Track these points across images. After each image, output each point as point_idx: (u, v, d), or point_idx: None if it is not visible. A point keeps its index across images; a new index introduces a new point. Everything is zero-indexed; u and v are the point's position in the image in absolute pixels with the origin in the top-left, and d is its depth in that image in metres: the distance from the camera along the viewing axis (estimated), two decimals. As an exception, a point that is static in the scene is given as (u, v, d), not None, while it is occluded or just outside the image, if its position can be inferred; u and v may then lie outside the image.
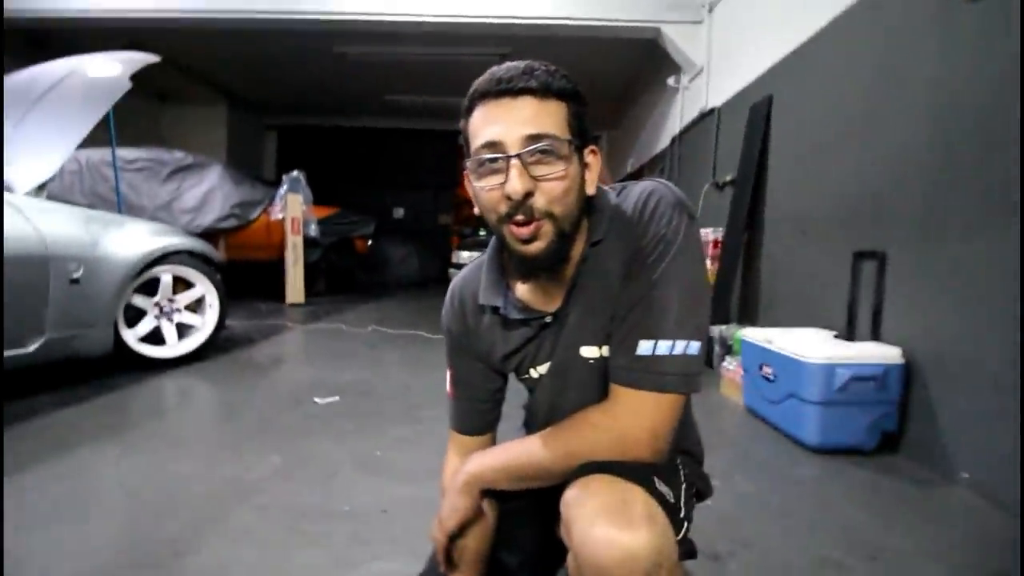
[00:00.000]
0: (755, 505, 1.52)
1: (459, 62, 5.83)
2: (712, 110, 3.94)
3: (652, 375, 0.66)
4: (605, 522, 0.58)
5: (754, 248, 3.13)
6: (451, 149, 8.67)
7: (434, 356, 3.19)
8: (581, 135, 0.67)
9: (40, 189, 2.39)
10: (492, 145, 0.64)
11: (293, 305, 5.10)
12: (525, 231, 0.65)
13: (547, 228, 0.65)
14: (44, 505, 1.35)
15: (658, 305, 0.67)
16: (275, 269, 5.30)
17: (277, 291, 5.22)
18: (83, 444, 1.72)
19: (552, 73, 0.65)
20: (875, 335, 2.04)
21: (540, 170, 0.63)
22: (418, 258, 8.17)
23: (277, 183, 5.61)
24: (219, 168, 5.28)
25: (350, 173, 9.12)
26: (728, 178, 3.48)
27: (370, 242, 6.81)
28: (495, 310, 0.79)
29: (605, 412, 0.69)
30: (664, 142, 5.20)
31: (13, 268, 1.98)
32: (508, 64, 0.65)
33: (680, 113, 4.71)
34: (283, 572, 1.11)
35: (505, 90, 0.63)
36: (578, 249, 0.72)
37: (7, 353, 1.98)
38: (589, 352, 0.74)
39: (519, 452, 0.74)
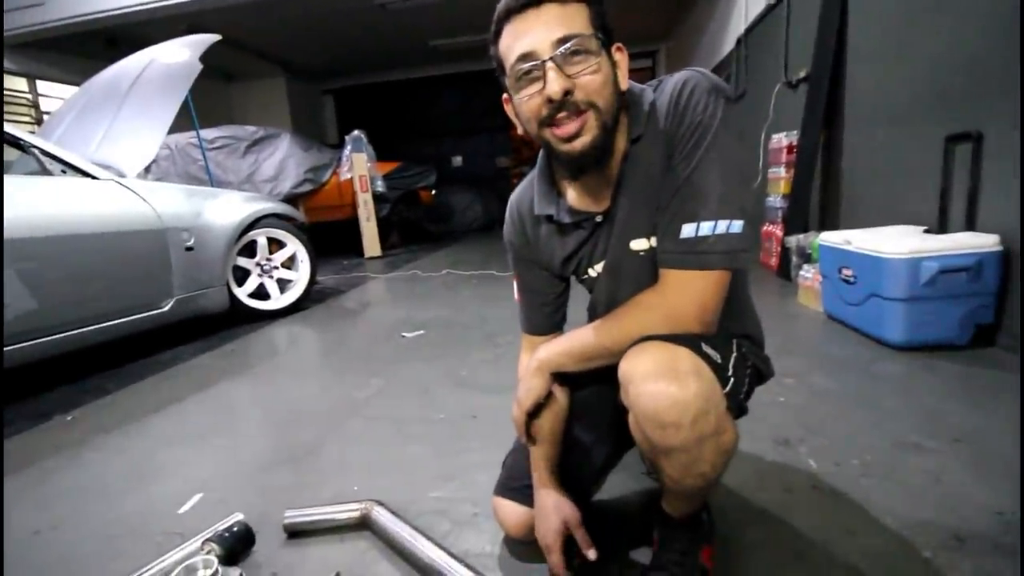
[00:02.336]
0: (831, 398, 1.53)
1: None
2: (780, 0, 3.56)
3: (696, 255, 0.71)
4: (655, 377, 0.66)
5: (833, 148, 2.90)
6: (501, 90, 8.46)
7: (506, 291, 3.34)
8: (606, 32, 0.70)
9: (146, 172, 2.71)
10: (525, 56, 0.68)
11: (371, 258, 5.44)
12: (571, 126, 0.70)
13: (591, 121, 0.70)
14: (201, 424, 1.66)
15: (698, 189, 0.70)
16: (351, 227, 5.62)
17: (355, 247, 5.56)
18: (220, 380, 2.05)
19: None
20: (970, 224, 1.89)
21: (574, 68, 0.68)
22: (481, 203, 8.27)
23: (340, 145, 5.85)
24: (288, 137, 5.59)
25: (406, 126, 9.24)
26: (802, 74, 3.19)
27: (434, 192, 6.98)
28: (549, 218, 0.85)
29: (655, 293, 0.75)
30: (728, 46, 4.79)
31: (140, 241, 2.32)
32: None
33: (744, 10, 4.29)
34: (395, 461, 1.32)
35: (527, 3, 0.67)
36: (620, 146, 0.76)
37: (148, 314, 2.35)
38: (639, 245, 0.79)
39: (581, 337, 0.82)
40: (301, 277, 3.17)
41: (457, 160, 9.42)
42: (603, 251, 0.84)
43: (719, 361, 0.73)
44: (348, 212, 5.65)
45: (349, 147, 5.51)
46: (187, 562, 0.73)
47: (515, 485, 0.94)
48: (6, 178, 2.08)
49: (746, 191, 0.76)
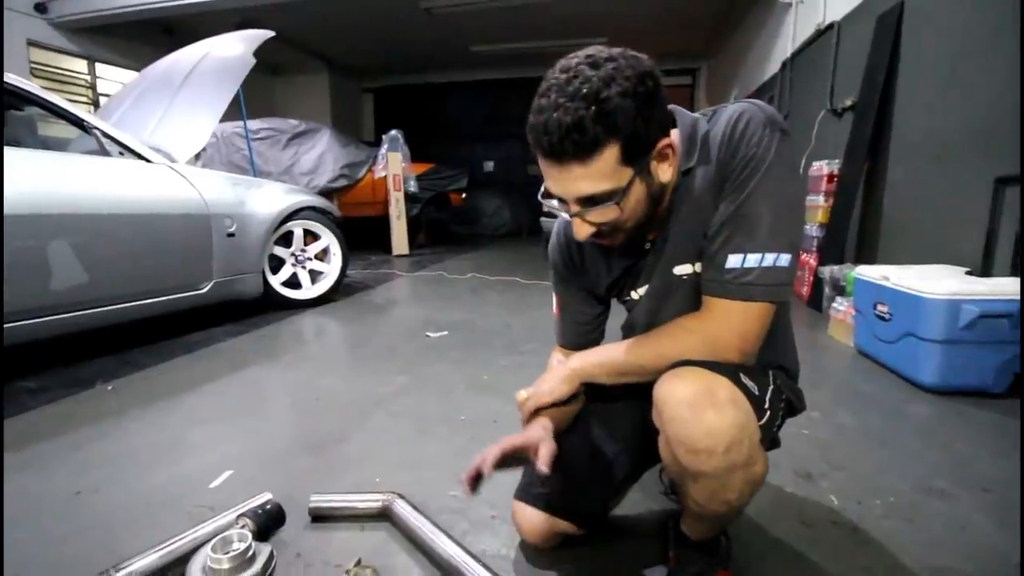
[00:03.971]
0: (857, 435, 1.51)
1: (543, 4, 5.68)
2: (831, 25, 3.52)
3: (741, 286, 0.71)
4: (692, 403, 0.67)
5: (875, 179, 2.85)
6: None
7: (531, 299, 3.36)
8: (644, 147, 0.67)
9: (195, 158, 2.83)
10: (553, 194, 0.72)
11: (399, 256, 5.53)
12: (603, 241, 0.75)
13: (621, 236, 0.75)
14: (232, 404, 1.72)
15: (748, 220, 0.71)
16: (381, 224, 5.73)
17: (383, 244, 5.67)
18: (252, 364, 2.12)
19: (600, 103, 0.61)
20: (1015, 270, 1.84)
21: (597, 216, 0.71)
22: (509, 210, 8.33)
23: (377, 143, 5.98)
24: (328, 132, 5.74)
25: (441, 128, 9.37)
26: (848, 102, 3.15)
27: (464, 195, 7.07)
28: (597, 243, 0.87)
29: (697, 318, 0.76)
30: (772, 68, 4.74)
31: (185, 225, 2.42)
32: (555, 105, 0.63)
33: (792, 32, 4.25)
34: (416, 458, 1.35)
35: (551, 155, 0.66)
36: (669, 178, 0.76)
37: (188, 294, 2.44)
38: (683, 270, 0.81)
39: (617, 351, 0.84)
40: (332, 269, 3.25)
41: (489, 165, 9.51)
42: (648, 275, 0.85)
43: (756, 393, 0.74)
44: (380, 209, 5.77)
45: (386, 146, 5.63)
46: (223, 534, 0.77)
47: (535, 491, 0.96)
48: (66, 155, 2.20)
49: (796, 225, 0.76)
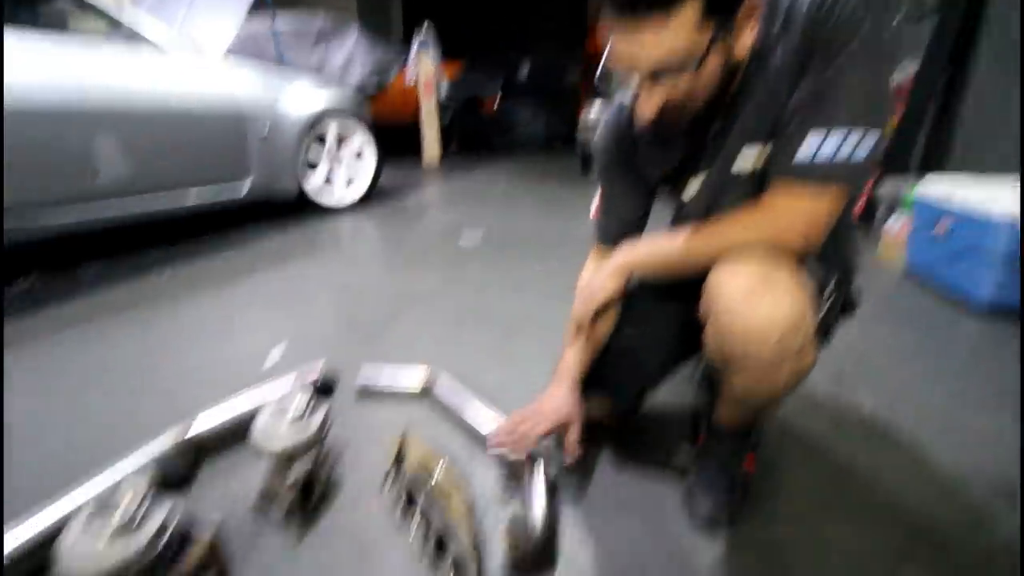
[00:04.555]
0: (899, 347, 1.49)
1: None
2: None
3: (818, 169, 0.65)
4: (749, 289, 0.65)
5: (956, 88, 2.57)
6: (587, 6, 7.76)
7: (564, 208, 3.30)
8: (727, 8, 0.61)
9: (226, 55, 2.74)
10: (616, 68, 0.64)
11: (431, 163, 5.44)
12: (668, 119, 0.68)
13: (687, 115, 0.68)
14: (278, 294, 1.80)
15: (835, 94, 0.63)
16: (412, 131, 5.58)
17: (416, 152, 5.56)
18: (293, 259, 2.19)
19: None
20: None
21: (669, 86, 0.64)
22: (544, 119, 7.96)
23: (407, 44, 5.65)
24: (356, 33, 5.43)
25: (475, 31, 8.76)
26: (931, 2, 2.77)
27: (497, 102, 6.75)
28: (654, 127, 0.81)
29: (761, 206, 0.71)
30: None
31: (223, 121, 2.40)
32: None
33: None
34: (453, 347, 1.41)
35: (625, 9, 0.59)
36: (748, 44, 0.69)
37: (227, 193, 2.48)
38: (746, 161, 0.74)
39: (668, 244, 0.80)
40: (367, 173, 3.23)
41: (524, 71, 8.96)
42: (708, 166, 0.79)
43: (816, 284, 0.71)
44: (410, 116, 5.59)
45: (416, 47, 5.33)
46: (282, 394, 0.83)
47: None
48: (107, 46, 2.15)
49: (887, 107, 0.69)
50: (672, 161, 0.83)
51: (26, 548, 0.68)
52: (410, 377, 1.15)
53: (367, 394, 1.16)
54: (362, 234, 2.73)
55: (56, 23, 2.35)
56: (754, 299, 0.65)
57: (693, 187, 0.83)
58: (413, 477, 0.82)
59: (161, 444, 0.86)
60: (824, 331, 0.73)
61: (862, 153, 0.64)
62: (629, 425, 1.07)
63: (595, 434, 1.02)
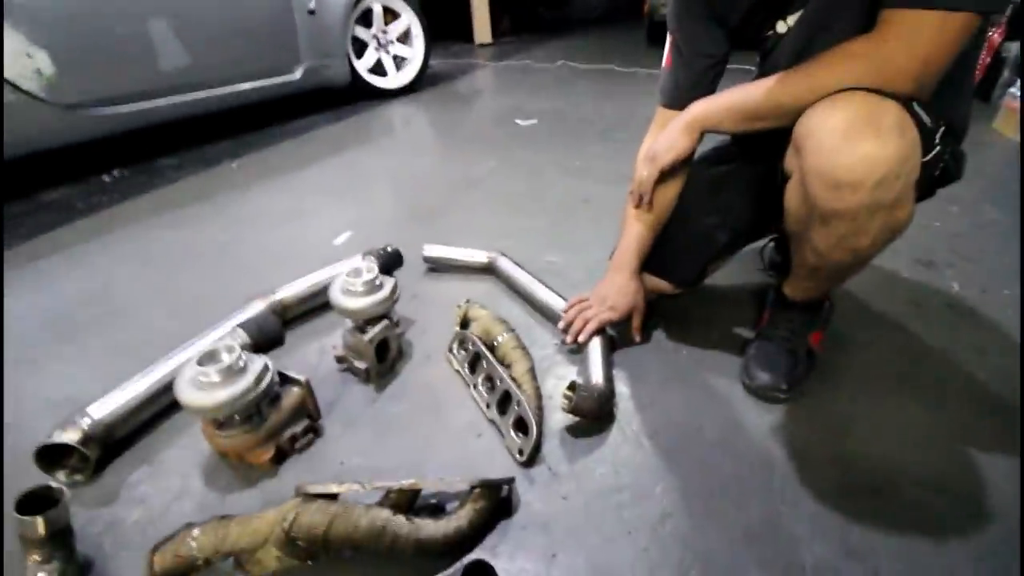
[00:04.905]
0: (998, 230, 1.35)
1: None
2: None
3: None
4: (848, 128, 0.58)
5: None
6: None
7: (626, 88, 3.04)
8: None
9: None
10: None
11: (482, 45, 5.09)
12: None
13: None
14: (340, 181, 1.84)
15: None
16: (461, 8, 5.16)
17: (465, 32, 5.18)
18: (350, 147, 2.20)
19: None
20: None
21: None
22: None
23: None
24: None
25: None
26: None
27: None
28: None
29: (868, 39, 0.61)
30: None
31: (264, 2, 2.30)
32: None
33: None
34: (511, 229, 1.41)
35: None
36: None
37: (282, 78, 2.45)
38: None
39: (752, 91, 0.72)
40: (416, 54, 3.07)
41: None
42: (803, 2, 0.68)
43: (929, 124, 0.62)
44: (460, -9, 5.12)
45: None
46: (353, 266, 0.88)
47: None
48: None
49: None
50: None
51: (145, 396, 0.79)
52: (471, 256, 1.18)
53: (432, 269, 1.21)
54: (415, 120, 2.67)
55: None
56: (853, 138, 0.57)
57: (786, 24, 0.72)
58: (478, 341, 0.87)
59: (250, 311, 0.95)
60: (923, 188, 0.65)
61: None
62: (690, 296, 1.06)
63: (654, 306, 1.03)
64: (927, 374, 0.88)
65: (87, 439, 0.71)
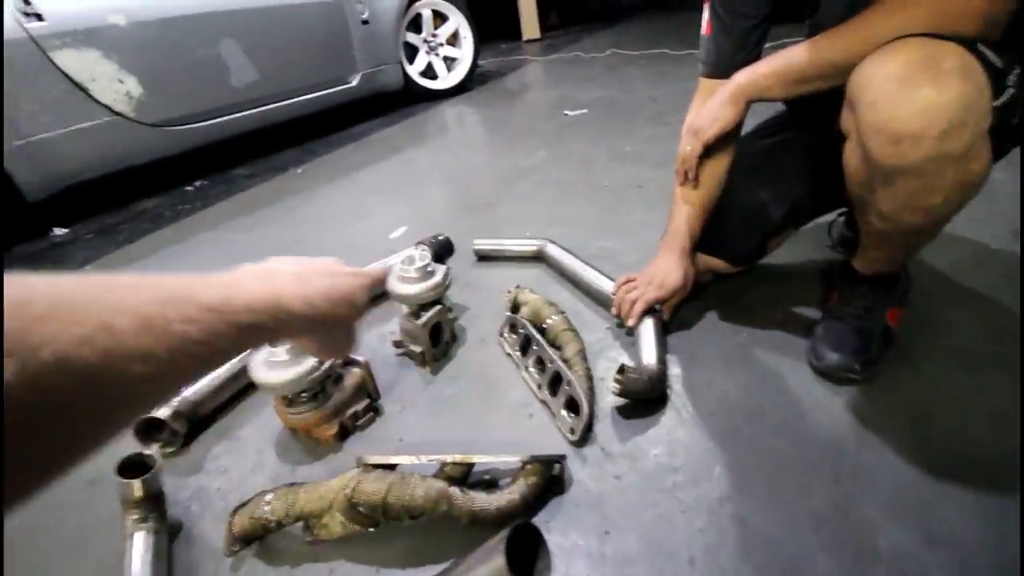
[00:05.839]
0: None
1: None
2: None
3: None
4: (904, 76, 0.53)
5: None
6: None
7: (679, 70, 2.94)
8: None
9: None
10: None
11: (529, 41, 5.09)
12: None
13: None
14: (395, 180, 1.91)
15: None
16: (509, 6, 5.19)
17: (513, 30, 5.21)
18: (405, 148, 2.27)
19: None
20: None
21: None
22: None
23: None
24: None
25: None
26: None
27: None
28: None
29: None
30: None
31: (322, 16, 2.43)
32: None
33: None
34: (562, 217, 1.41)
35: None
36: None
37: (340, 87, 2.57)
38: None
39: (800, 52, 0.68)
40: (465, 55, 3.13)
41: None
42: None
43: (999, 65, 0.56)
44: (506, -13, 5.16)
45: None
46: (408, 254, 0.91)
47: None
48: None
49: None
50: None
51: (226, 377, 0.86)
52: (521, 245, 1.19)
53: (483, 259, 1.23)
54: (466, 119, 2.72)
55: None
56: (910, 86, 0.53)
57: None
58: (528, 324, 0.88)
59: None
60: (999, 139, 0.59)
61: None
62: (750, 276, 1.02)
63: (708, 287, 1.00)
64: (1019, 355, 0.79)
65: (176, 415, 0.79)
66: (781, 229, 0.92)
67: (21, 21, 1.63)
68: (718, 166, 0.86)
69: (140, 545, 0.62)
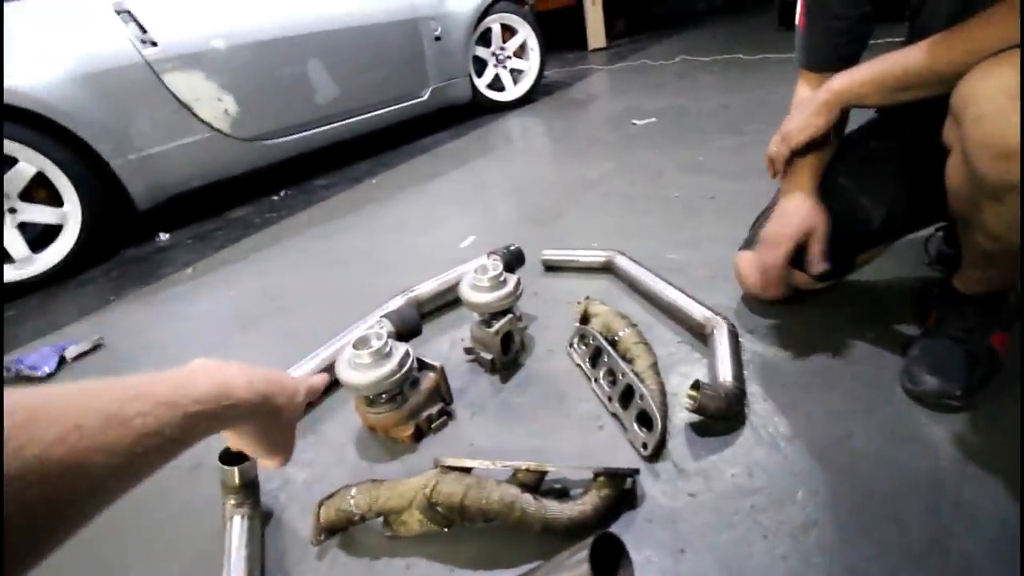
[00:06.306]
0: None
1: None
2: None
3: None
4: (1012, 88, 0.50)
5: None
6: None
7: (754, 76, 2.84)
8: None
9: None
10: None
11: (596, 50, 5.08)
12: None
13: None
14: (465, 190, 1.97)
15: None
16: (575, 16, 5.21)
17: (579, 39, 5.22)
18: (473, 159, 2.34)
19: None
20: None
21: None
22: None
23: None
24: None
25: None
26: None
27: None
28: None
29: None
30: None
31: (402, 32, 2.55)
32: None
33: None
34: (631, 229, 1.39)
35: None
36: None
37: (413, 101, 2.69)
38: None
39: (900, 59, 0.65)
40: (532, 67, 3.18)
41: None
42: None
43: None
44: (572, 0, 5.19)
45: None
46: (480, 263, 0.94)
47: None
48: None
49: None
50: None
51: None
52: (590, 256, 1.19)
53: (552, 270, 1.24)
54: (531, 129, 2.76)
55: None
56: (1019, 100, 0.50)
57: None
58: (598, 335, 0.88)
59: (392, 304, 1.06)
60: None
61: None
62: (837, 292, 0.97)
63: (786, 302, 0.95)
64: None
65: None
66: (875, 241, 0.87)
67: (139, 48, 1.84)
68: (812, 167, 0.82)
69: (237, 528, 0.68)
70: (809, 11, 0.79)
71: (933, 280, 0.93)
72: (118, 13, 1.83)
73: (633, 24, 5.85)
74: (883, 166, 0.82)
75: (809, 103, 0.75)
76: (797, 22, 0.82)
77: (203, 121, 1.99)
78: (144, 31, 1.86)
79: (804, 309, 0.95)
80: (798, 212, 0.79)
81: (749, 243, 0.95)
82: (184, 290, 1.53)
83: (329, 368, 0.88)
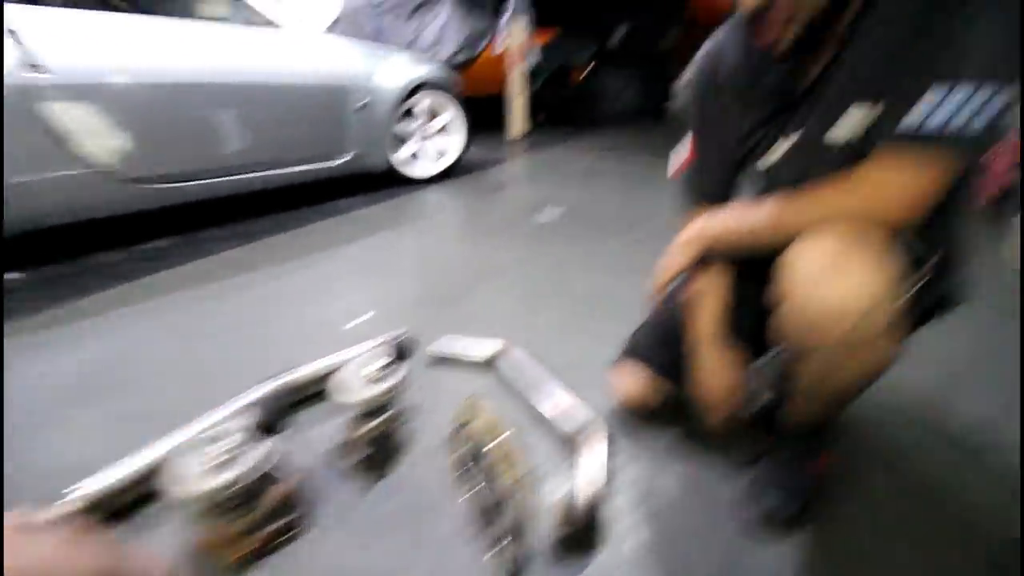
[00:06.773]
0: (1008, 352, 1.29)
1: None
2: None
3: (926, 134, 0.56)
4: (824, 267, 0.59)
5: None
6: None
7: (652, 183, 3.17)
8: None
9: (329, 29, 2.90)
10: None
11: (516, 137, 5.43)
12: (769, 34, 0.61)
13: (788, 31, 0.61)
14: (367, 261, 1.94)
15: (960, 43, 0.54)
16: (500, 103, 5.58)
17: (502, 125, 5.56)
18: (380, 230, 2.33)
19: None
20: None
21: None
22: (636, 88, 7.57)
23: (500, 7, 5.58)
24: (450, 1, 5.47)
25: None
26: None
27: (587, 71, 6.54)
28: (749, 71, 0.74)
29: (856, 175, 0.63)
30: None
31: (326, 96, 2.57)
32: None
33: None
34: (531, 318, 1.44)
35: None
36: (855, 5, 0.62)
37: (327, 164, 2.66)
38: (855, 115, 0.65)
39: (752, 212, 0.74)
40: (454, 146, 3.31)
41: (618, 37, 8.51)
42: (798, 126, 0.71)
43: (910, 262, 0.63)
44: (497, 88, 5.57)
45: (509, 14, 5.27)
46: (368, 352, 0.91)
47: (643, 352, 0.97)
48: (222, 26, 2.37)
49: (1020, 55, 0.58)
50: (756, 115, 0.75)
51: (136, 476, 0.80)
52: (481, 348, 1.20)
53: (440, 361, 1.23)
54: (446, 207, 2.82)
55: (184, 10, 2.63)
56: (830, 276, 0.59)
57: (779, 152, 0.76)
58: (475, 442, 0.87)
59: (260, 391, 0.98)
60: (914, 320, 0.65)
61: (983, 119, 0.54)
62: (687, 413, 1.04)
63: (652, 414, 1.01)
64: (933, 516, 0.83)
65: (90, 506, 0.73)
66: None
67: (24, 72, 1.67)
68: (711, 310, 0.88)
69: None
70: (699, 145, 0.87)
71: (772, 399, 1.04)
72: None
73: (554, 116, 6.38)
74: (736, 311, 0.91)
75: (676, 243, 0.83)
76: (672, 173, 0.92)
77: (84, 155, 1.81)
78: (28, 55, 1.70)
79: (682, 417, 1.00)
80: (727, 370, 0.87)
81: (629, 351, 1.01)
82: (23, 344, 1.31)
83: (154, 472, 0.77)
